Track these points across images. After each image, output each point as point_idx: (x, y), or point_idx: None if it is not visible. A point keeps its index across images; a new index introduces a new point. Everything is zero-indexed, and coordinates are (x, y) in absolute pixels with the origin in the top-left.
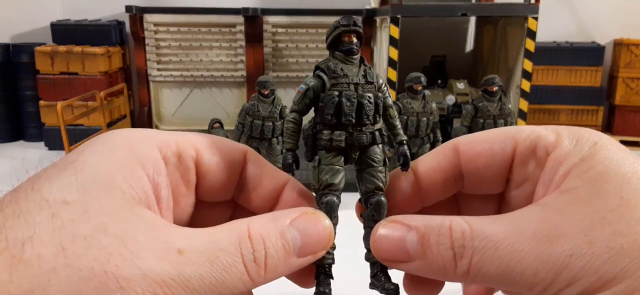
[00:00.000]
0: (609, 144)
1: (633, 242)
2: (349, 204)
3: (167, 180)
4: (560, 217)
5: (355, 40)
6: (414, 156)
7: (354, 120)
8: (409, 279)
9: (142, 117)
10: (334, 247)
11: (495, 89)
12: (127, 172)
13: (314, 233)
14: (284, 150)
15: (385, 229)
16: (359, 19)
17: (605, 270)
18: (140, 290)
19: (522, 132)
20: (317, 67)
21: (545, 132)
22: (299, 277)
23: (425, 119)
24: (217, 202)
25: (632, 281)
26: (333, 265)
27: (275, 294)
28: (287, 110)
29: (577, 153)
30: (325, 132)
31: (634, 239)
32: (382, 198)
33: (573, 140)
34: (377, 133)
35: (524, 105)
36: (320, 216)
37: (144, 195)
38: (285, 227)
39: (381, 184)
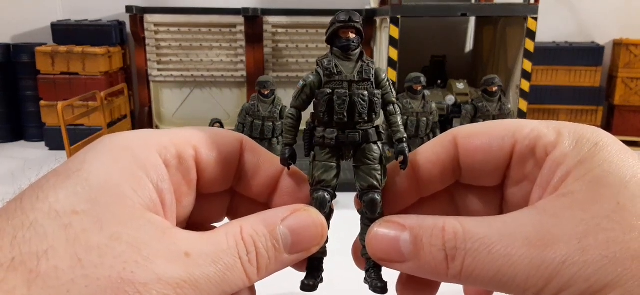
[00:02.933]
0: (610, 145)
1: (627, 250)
2: (347, 203)
3: (170, 186)
4: (556, 221)
5: (352, 36)
6: None
7: (345, 119)
8: (401, 284)
9: (143, 117)
10: (326, 240)
11: (494, 89)
12: (133, 181)
13: (305, 230)
14: (282, 145)
15: (380, 229)
16: (356, 14)
17: (597, 278)
18: (156, 292)
19: (523, 130)
20: (317, 62)
21: (546, 131)
22: (297, 264)
23: (425, 119)
24: (215, 193)
25: (624, 291)
26: (325, 257)
27: (276, 294)
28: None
29: (576, 155)
30: (319, 129)
31: (628, 247)
32: (376, 196)
33: (573, 141)
34: (371, 131)
35: (523, 105)
36: (312, 213)
37: (151, 203)
38: (275, 226)
39: (375, 182)
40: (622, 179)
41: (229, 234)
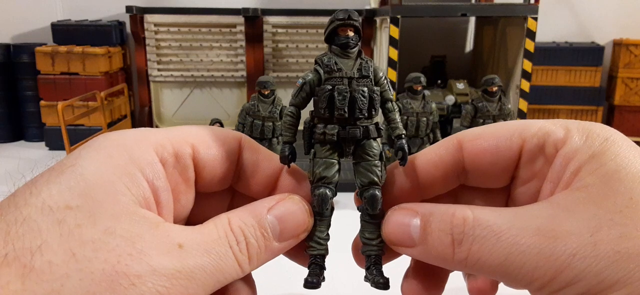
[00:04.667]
0: (620, 140)
1: (638, 247)
2: (347, 203)
3: (167, 184)
4: (568, 215)
5: (351, 34)
6: None
7: (346, 115)
8: (406, 282)
9: (143, 117)
10: (327, 238)
11: (494, 89)
12: (127, 179)
13: (291, 217)
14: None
15: (394, 214)
16: (355, 13)
17: (608, 274)
18: (151, 284)
19: (530, 129)
20: (316, 61)
21: (554, 128)
22: (295, 256)
23: (425, 119)
24: (215, 192)
25: (635, 288)
26: (326, 256)
27: (277, 293)
28: None
29: (587, 149)
30: (319, 125)
31: None
32: (376, 192)
33: (583, 136)
34: (371, 127)
35: (523, 105)
36: (296, 200)
37: (143, 200)
38: (262, 216)
39: (376, 179)
40: (635, 174)
41: (218, 225)
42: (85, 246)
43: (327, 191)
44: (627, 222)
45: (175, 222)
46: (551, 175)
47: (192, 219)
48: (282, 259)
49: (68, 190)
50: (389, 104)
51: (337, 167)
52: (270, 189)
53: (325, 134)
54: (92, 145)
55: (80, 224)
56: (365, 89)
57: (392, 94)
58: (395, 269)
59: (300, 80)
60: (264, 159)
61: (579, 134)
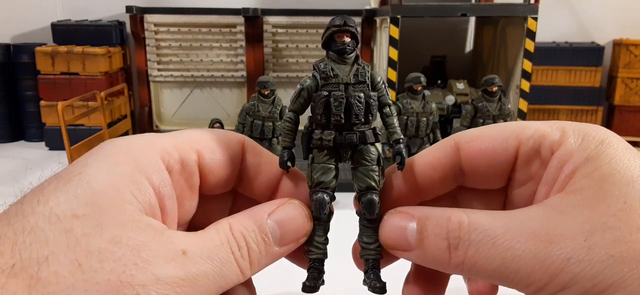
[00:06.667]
0: (616, 142)
1: (632, 250)
2: (347, 204)
3: (172, 191)
4: (562, 218)
5: (347, 40)
6: None
7: (342, 120)
8: (407, 286)
9: (143, 118)
10: (325, 242)
11: (494, 89)
12: (133, 187)
13: (292, 222)
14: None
15: (390, 218)
16: (351, 19)
17: (602, 278)
18: (155, 293)
19: (526, 131)
20: (313, 67)
21: (550, 130)
22: (295, 258)
23: (425, 119)
24: (218, 195)
25: (628, 292)
26: (325, 260)
27: (276, 293)
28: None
29: (582, 152)
30: (316, 131)
31: (634, 247)
32: (374, 197)
33: (578, 138)
34: (368, 132)
35: (523, 105)
36: (296, 205)
37: (149, 208)
38: (263, 221)
39: (373, 183)
40: (629, 177)
41: (220, 231)
42: (92, 256)
43: (325, 196)
44: (620, 226)
45: (179, 226)
46: (547, 178)
47: (195, 220)
48: (282, 259)
49: (75, 198)
50: (387, 109)
51: (334, 172)
52: (272, 192)
53: (323, 140)
54: (98, 153)
55: (87, 233)
56: (362, 94)
57: (390, 99)
58: (396, 272)
59: (298, 86)
60: (266, 162)
61: (574, 136)
